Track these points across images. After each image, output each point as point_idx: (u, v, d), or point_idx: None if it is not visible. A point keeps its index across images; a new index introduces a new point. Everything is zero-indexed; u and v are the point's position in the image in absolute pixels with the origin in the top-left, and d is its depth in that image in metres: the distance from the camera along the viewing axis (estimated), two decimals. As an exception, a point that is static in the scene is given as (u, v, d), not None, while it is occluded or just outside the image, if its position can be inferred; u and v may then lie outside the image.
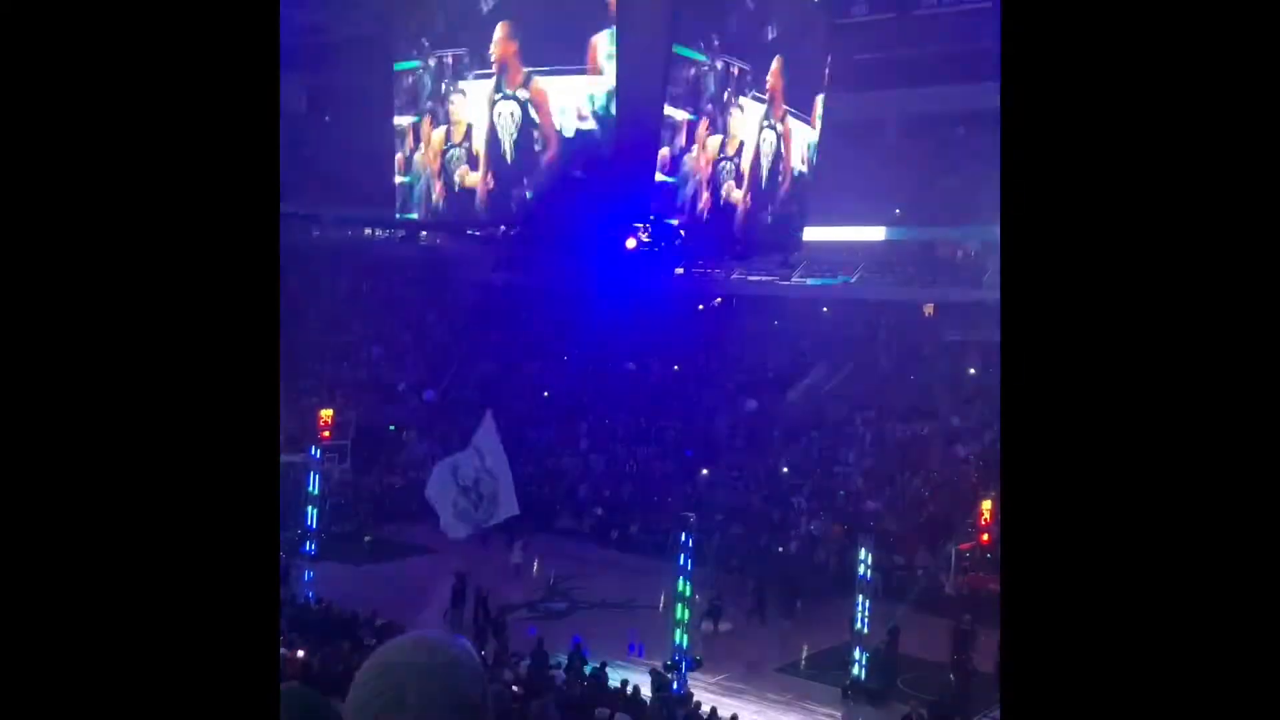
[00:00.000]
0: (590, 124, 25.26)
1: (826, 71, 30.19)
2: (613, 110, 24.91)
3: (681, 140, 26.02)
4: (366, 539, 26.55)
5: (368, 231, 39.17)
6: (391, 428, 34.37)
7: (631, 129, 24.92)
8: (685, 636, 17.30)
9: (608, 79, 24.95)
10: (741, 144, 27.65)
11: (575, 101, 25.49)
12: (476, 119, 27.27)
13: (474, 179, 27.69)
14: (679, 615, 17.29)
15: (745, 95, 27.37)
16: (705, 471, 28.03)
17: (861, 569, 18.72)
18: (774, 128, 28.71)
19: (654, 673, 16.34)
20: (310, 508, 25.46)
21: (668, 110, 25.52)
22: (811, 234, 31.45)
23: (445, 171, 28.23)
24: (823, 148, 30.23)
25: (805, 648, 20.21)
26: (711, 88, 26.41)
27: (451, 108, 27.82)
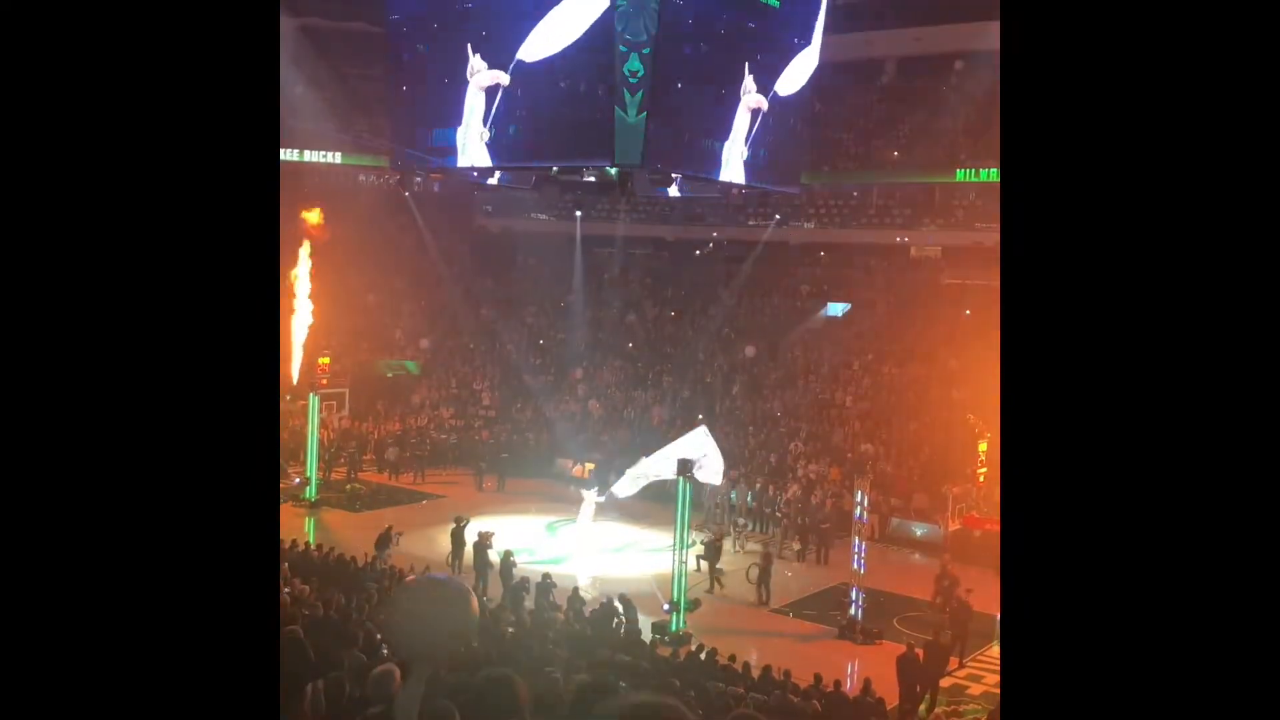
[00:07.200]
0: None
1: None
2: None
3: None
4: (349, 486, 26.91)
5: (362, 178, 38.79)
6: (389, 375, 34.43)
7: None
8: (684, 578, 17.50)
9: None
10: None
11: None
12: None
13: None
14: (677, 558, 17.47)
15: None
16: (701, 417, 28.13)
17: (858, 511, 18.90)
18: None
19: (622, 598, 16.38)
20: (309, 455, 25.58)
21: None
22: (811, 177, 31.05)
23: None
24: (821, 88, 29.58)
25: (802, 588, 20.47)
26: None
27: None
